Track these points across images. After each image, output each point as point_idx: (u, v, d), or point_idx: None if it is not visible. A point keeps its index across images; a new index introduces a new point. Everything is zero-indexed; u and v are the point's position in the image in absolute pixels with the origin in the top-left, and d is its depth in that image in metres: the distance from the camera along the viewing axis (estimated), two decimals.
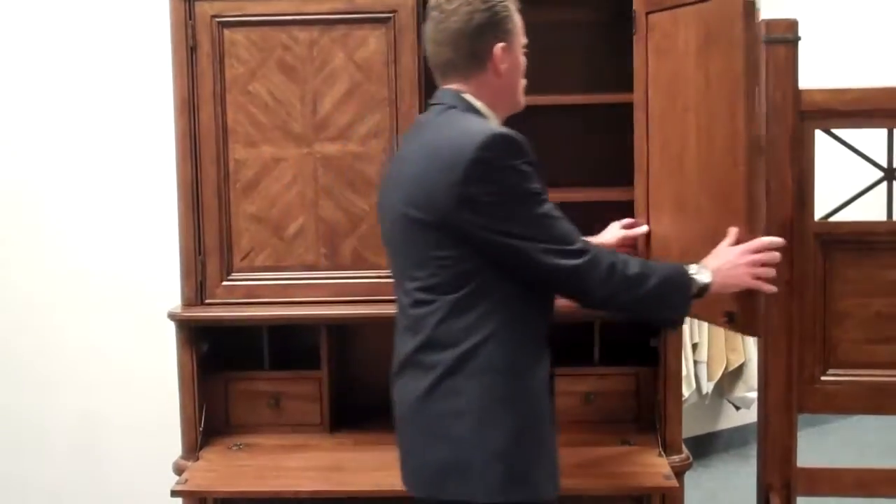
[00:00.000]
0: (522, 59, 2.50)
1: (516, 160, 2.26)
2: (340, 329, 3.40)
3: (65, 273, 3.95)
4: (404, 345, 2.46)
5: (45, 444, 3.99)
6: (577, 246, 2.32)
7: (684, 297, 2.44)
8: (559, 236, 2.30)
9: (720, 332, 5.30)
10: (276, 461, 3.07)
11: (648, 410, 3.18)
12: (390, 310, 3.11)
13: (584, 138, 3.45)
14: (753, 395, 5.40)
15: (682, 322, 2.67)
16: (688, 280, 2.44)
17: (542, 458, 2.40)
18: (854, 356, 3.60)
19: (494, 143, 2.25)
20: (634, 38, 2.96)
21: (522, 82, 2.52)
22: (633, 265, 2.36)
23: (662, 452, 3.06)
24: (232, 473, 2.96)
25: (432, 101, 2.48)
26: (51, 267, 3.94)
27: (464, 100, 2.42)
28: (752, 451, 5.48)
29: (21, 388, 3.98)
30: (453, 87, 2.44)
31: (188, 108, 3.07)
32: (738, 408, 5.63)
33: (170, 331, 3.13)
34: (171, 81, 3.04)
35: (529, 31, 3.15)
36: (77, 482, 3.97)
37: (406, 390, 2.45)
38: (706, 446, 5.65)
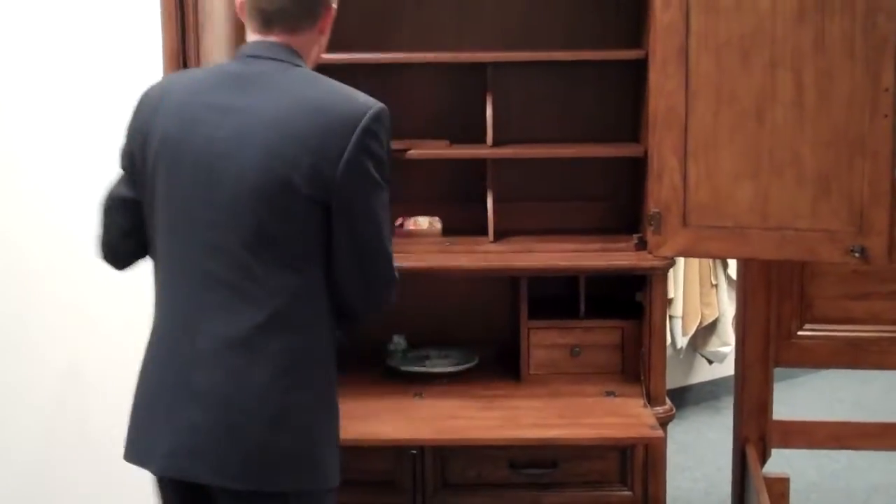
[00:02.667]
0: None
1: (389, 140, 2.29)
2: None
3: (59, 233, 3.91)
4: (230, 322, 2.21)
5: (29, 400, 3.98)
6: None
7: None
8: (389, 234, 2.33)
9: (695, 287, 5.37)
10: None
11: (633, 363, 3.24)
12: None
13: (569, 95, 3.48)
14: (727, 349, 5.49)
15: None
16: None
17: None
18: (830, 312, 3.70)
19: (385, 117, 2.25)
20: None
21: None
22: None
23: (647, 403, 3.12)
24: None
25: (256, 53, 2.30)
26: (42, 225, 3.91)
27: (301, 59, 2.33)
28: (724, 405, 5.62)
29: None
30: (276, 39, 2.31)
31: None
32: (711, 362, 5.72)
33: None
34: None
35: None
36: (62, 441, 3.96)
37: (242, 373, 2.22)
38: (679, 400, 5.72)
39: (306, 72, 2.31)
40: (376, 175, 2.22)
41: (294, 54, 2.31)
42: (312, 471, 2.28)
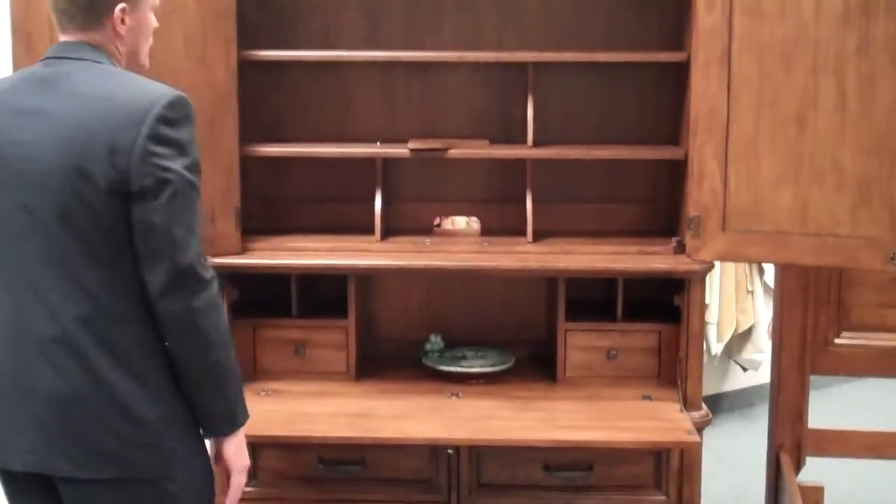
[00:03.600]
0: (151, 20, 2.41)
1: (192, 128, 2.26)
2: (366, 279, 3.45)
3: None
4: (54, 318, 2.23)
5: None
6: (205, 261, 2.28)
7: (235, 401, 2.36)
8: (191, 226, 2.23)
9: (731, 293, 5.35)
10: (303, 407, 3.12)
11: (670, 367, 3.23)
12: (414, 262, 3.20)
13: (609, 96, 3.47)
14: (761, 356, 5.47)
15: (235, 420, 2.40)
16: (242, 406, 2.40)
17: None
18: (867, 320, 3.68)
19: (181, 104, 2.23)
20: None
21: (148, 42, 2.43)
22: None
23: (683, 408, 3.11)
24: (261, 419, 3.00)
25: (58, 54, 2.32)
26: None
27: (106, 56, 2.32)
28: (758, 413, 5.59)
29: None
30: (74, 38, 2.32)
31: None
32: (745, 369, 5.69)
33: None
34: None
35: None
36: None
37: (70, 368, 2.24)
38: (713, 407, 5.65)
39: (106, 68, 2.30)
40: (171, 164, 2.18)
41: (97, 51, 2.31)
42: (154, 457, 2.27)
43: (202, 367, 2.28)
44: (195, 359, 2.27)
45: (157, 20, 2.45)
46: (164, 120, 2.19)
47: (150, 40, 2.45)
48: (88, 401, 2.22)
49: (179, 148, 2.21)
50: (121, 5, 2.32)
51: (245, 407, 2.40)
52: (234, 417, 2.37)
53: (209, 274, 2.26)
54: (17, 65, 2.80)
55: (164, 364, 2.29)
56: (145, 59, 2.44)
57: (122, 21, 2.32)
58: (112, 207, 2.19)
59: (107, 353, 2.22)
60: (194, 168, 2.24)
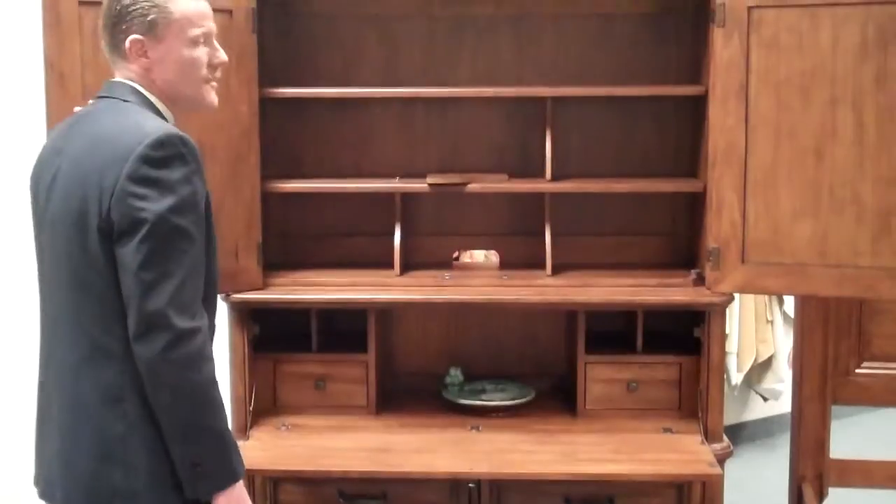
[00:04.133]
0: (190, 54, 2.32)
1: (186, 167, 2.18)
2: (385, 313, 3.46)
3: None
4: (67, 353, 2.26)
5: None
6: (193, 309, 2.15)
7: (212, 461, 2.20)
8: (175, 292, 2.13)
9: (750, 323, 5.34)
10: (324, 442, 3.13)
11: (690, 399, 3.23)
12: (434, 295, 3.21)
13: (627, 129, 3.49)
14: (782, 386, 5.45)
15: (215, 481, 2.22)
16: (236, 461, 2.25)
17: None
18: (888, 350, 3.68)
19: (170, 142, 2.16)
20: (717, 30, 3.02)
21: (198, 75, 2.35)
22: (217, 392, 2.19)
23: (704, 440, 3.10)
24: (282, 453, 3.02)
25: (101, 93, 2.35)
26: None
27: (139, 93, 2.31)
28: (779, 442, 5.55)
29: None
30: (118, 76, 2.34)
31: None
32: (766, 399, 5.67)
33: (222, 312, 3.18)
34: None
35: (568, 21, 3.20)
36: None
37: (76, 404, 2.24)
38: (733, 437, 5.64)
39: (125, 106, 2.28)
40: (149, 205, 2.11)
41: (128, 89, 2.31)
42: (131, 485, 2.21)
43: (171, 422, 2.16)
44: (164, 413, 2.16)
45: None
46: (146, 159, 2.13)
47: (204, 73, 2.35)
48: (78, 436, 2.22)
49: (163, 188, 2.13)
50: (132, 37, 2.28)
51: (231, 467, 2.23)
52: (211, 478, 2.20)
53: (189, 324, 2.13)
54: (50, 103, 2.84)
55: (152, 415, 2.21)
56: (204, 95, 2.37)
57: (144, 55, 2.29)
58: (104, 249, 2.16)
59: (103, 392, 2.19)
60: (182, 209, 2.15)
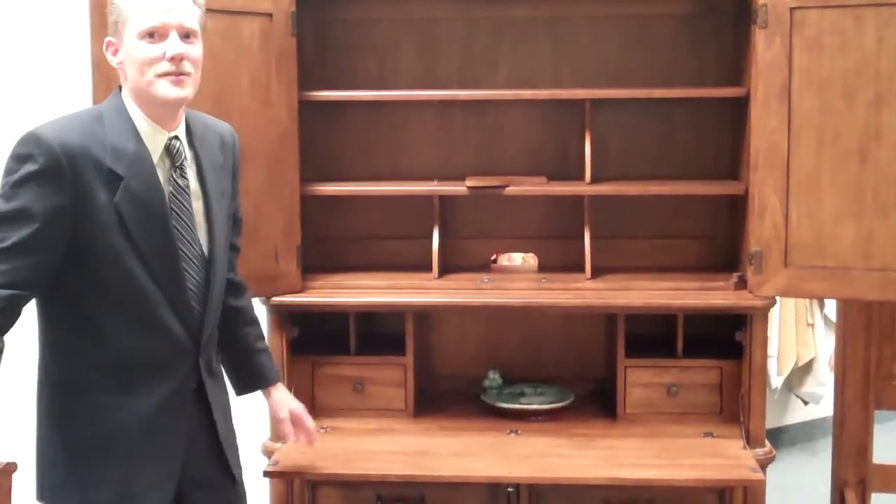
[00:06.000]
0: (139, 49, 2.32)
1: (21, 164, 2.24)
2: (423, 316, 3.45)
3: None
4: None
5: None
6: None
7: None
8: None
9: (791, 326, 5.29)
10: (362, 445, 3.12)
11: (732, 403, 3.20)
12: (472, 299, 3.20)
13: (667, 132, 3.47)
14: (822, 390, 5.39)
15: None
16: None
17: None
18: None
19: (24, 140, 2.25)
20: (759, 31, 3.00)
21: (148, 70, 2.32)
22: None
23: (746, 445, 3.07)
24: (320, 456, 3.01)
25: None
26: None
27: (116, 98, 2.39)
28: (820, 447, 5.49)
29: None
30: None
31: None
32: (806, 403, 5.61)
33: (261, 315, 3.18)
34: None
35: (606, 23, 3.19)
36: None
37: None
38: (774, 441, 5.55)
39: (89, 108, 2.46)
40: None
41: (114, 91, 2.42)
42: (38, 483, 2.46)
43: None
44: None
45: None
46: (10, 154, 2.26)
47: (156, 69, 2.32)
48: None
49: (6, 177, 2.25)
50: (105, 39, 2.38)
51: None
52: None
53: None
54: (96, 103, 2.85)
55: (59, 398, 2.41)
56: (158, 91, 2.33)
57: (114, 54, 2.37)
58: None
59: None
60: (6, 197, 2.23)
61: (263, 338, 2.82)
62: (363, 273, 3.38)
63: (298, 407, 2.85)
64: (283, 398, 2.83)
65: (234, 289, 2.70)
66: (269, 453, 3.13)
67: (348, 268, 3.44)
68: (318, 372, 3.33)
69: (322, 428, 3.22)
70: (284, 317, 3.21)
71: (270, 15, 3.07)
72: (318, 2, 3.33)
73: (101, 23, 2.84)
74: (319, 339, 3.38)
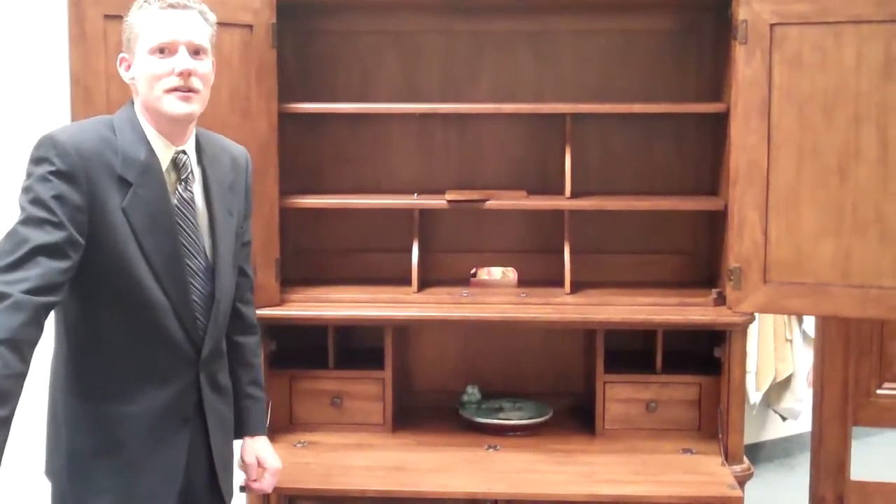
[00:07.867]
0: (149, 65, 2.34)
1: (37, 166, 2.24)
2: (402, 330, 3.44)
3: None
4: None
5: None
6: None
7: None
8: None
9: (770, 341, 5.29)
10: (339, 460, 3.10)
11: (710, 419, 3.20)
12: (451, 313, 3.19)
13: (648, 147, 3.47)
14: (800, 406, 5.39)
15: None
16: None
17: None
18: None
19: (40, 144, 2.26)
20: (739, 47, 3.00)
21: (160, 86, 2.34)
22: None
23: (725, 462, 3.07)
24: (298, 471, 2.99)
25: None
26: None
27: (129, 110, 2.39)
28: (798, 462, 5.50)
29: None
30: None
31: None
32: (784, 418, 5.62)
33: None
34: None
35: (587, 38, 3.21)
36: None
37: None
38: (751, 456, 5.57)
39: (100, 117, 2.45)
40: (22, 198, 2.24)
41: (126, 107, 2.42)
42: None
43: None
44: None
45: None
46: (30, 158, 2.27)
47: (164, 84, 2.33)
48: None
49: (27, 182, 2.24)
50: (119, 56, 2.41)
51: None
52: None
53: None
54: (75, 116, 2.84)
55: (61, 402, 2.42)
56: (166, 107, 2.34)
57: (127, 69, 2.39)
58: None
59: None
60: (28, 199, 2.21)
61: (259, 384, 2.73)
62: (342, 286, 3.36)
63: (273, 462, 2.71)
64: (260, 447, 2.72)
65: (244, 326, 2.70)
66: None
67: (327, 281, 3.42)
68: (297, 386, 3.31)
69: (300, 443, 3.21)
70: (263, 330, 3.17)
71: (251, 26, 3.06)
72: (299, 14, 3.33)
73: (80, 34, 2.85)
74: (298, 352, 3.36)
